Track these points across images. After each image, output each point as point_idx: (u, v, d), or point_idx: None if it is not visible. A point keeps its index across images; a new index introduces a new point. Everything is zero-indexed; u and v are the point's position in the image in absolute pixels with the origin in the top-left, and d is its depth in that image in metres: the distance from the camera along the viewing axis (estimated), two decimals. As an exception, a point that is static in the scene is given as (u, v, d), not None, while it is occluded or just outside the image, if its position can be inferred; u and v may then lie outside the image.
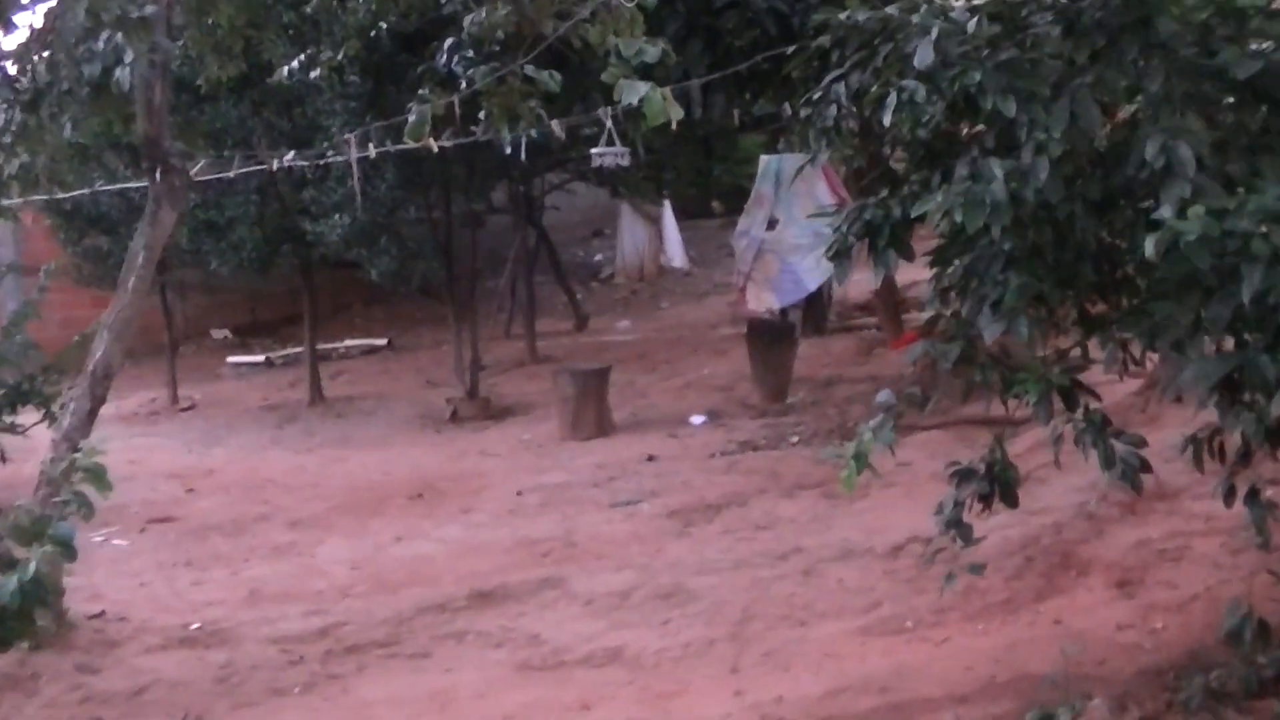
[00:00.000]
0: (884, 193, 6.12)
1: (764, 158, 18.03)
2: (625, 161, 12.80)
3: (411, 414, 17.88)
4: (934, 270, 6.19)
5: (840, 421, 14.46)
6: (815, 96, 6.13)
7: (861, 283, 20.73)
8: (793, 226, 16.99)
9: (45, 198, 11.97)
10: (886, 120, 5.46)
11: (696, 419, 15.81)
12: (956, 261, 5.95)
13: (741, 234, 17.78)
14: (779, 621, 8.71)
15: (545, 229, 23.90)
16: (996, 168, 5.22)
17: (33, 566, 6.57)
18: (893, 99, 5.43)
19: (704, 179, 24.09)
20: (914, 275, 20.32)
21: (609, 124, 12.37)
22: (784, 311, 18.24)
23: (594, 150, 12.55)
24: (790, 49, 6.89)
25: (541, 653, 8.62)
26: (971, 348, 5.94)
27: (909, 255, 6.12)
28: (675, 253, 28.48)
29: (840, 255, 6.18)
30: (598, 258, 29.69)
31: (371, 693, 8.27)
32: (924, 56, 5.34)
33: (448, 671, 8.51)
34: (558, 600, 9.56)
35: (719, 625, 8.71)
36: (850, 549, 9.92)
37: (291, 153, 13.54)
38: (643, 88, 7.23)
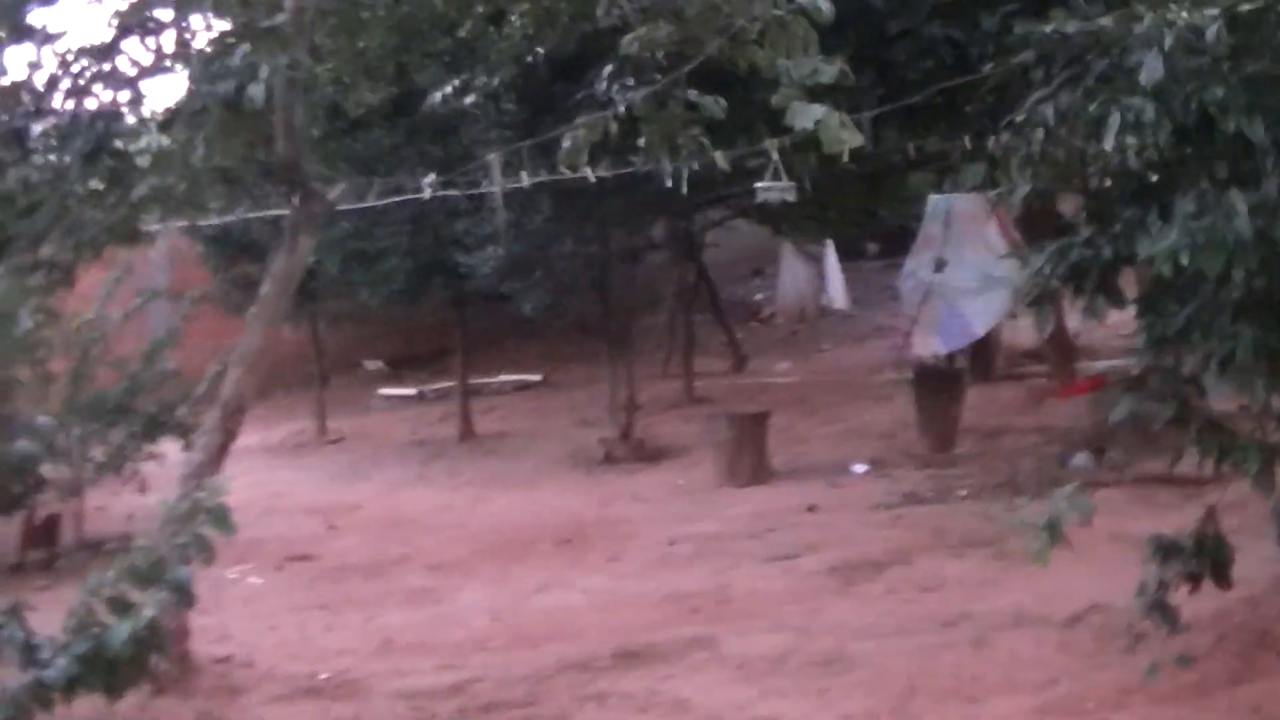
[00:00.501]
0: (1089, 231, 5.39)
1: (932, 197, 17.29)
2: (791, 197, 12.18)
3: (563, 453, 17.36)
4: (1143, 319, 5.45)
5: (1010, 475, 13.70)
6: (1019, 120, 5.40)
7: (1030, 329, 20.08)
8: (961, 269, 16.23)
9: (184, 224, 11.55)
10: (1108, 144, 4.75)
11: (858, 467, 15.14)
12: (1173, 310, 5.20)
13: (908, 275, 17.04)
14: (947, 696, 7.98)
15: (705, 266, 23.38)
16: (1239, 201, 4.48)
17: (146, 613, 6.12)
18: (1115, 120, 4.71)
19: (869, 218, 23.37)
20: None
21: (775, 156, 11.84)
22: (950, 357, 17.56)
23: (759, 185, 12.01)
24: (987, 69, 6.18)
25: (688, 721, 7.98)
26: (1184, 408, 5.21)
27: (1120, 301, 5.39)
28: (837, 293, 27.84)
29: (1041, 300, 5.47)
30: (757, 297, 29.14)
31: (506, 758, 7.68)
32: (1153, 71, 4.62)
33: (591, 738, 7.91)
34: (708, 662, 8.86)
35: (881, 697, 7.99)
36: (1023, 617, 9.15)
37: (431, 175, 13.03)
38: (818, 111, 6.57)
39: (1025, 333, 19.92)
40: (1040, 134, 5.17)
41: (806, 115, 6.68)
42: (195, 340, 16.07)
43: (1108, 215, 5.60)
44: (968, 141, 15.13)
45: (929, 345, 16.90)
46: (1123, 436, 13.34)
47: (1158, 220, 4.86)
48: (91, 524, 14.09)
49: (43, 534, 13.84)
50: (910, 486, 13.90)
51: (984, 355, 19.16)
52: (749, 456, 14.91)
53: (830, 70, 6.71)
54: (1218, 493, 11.20)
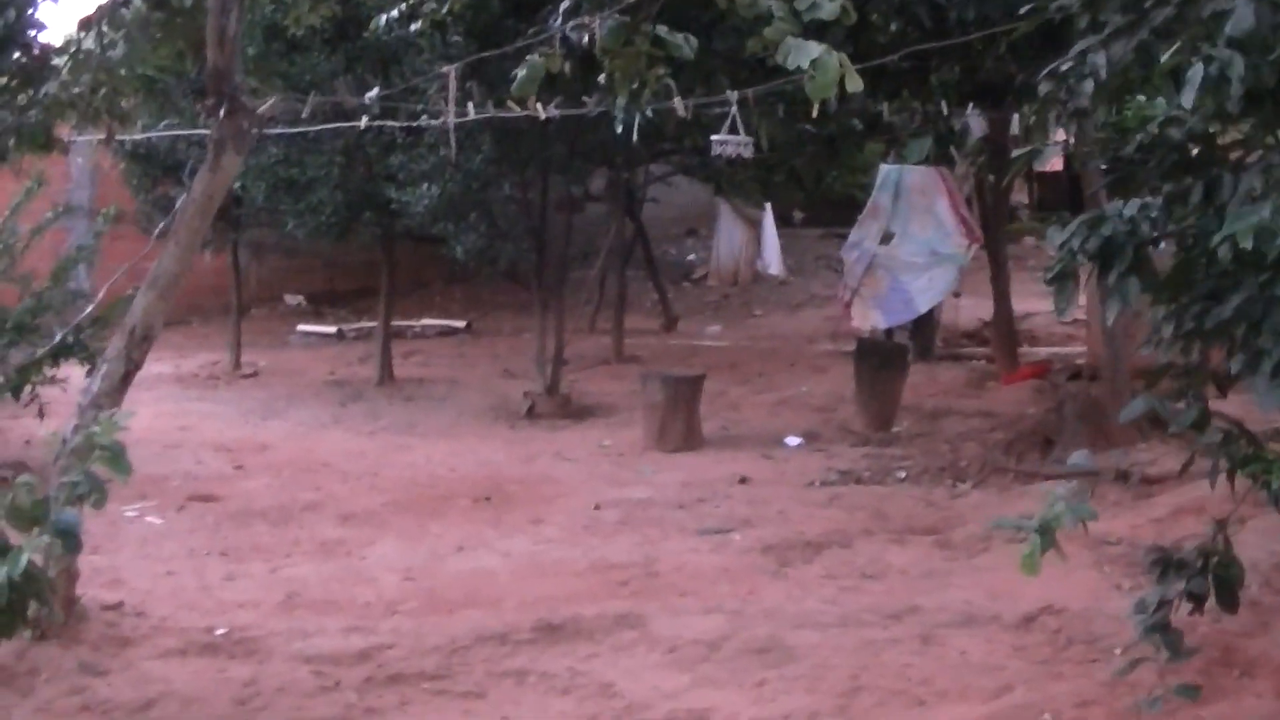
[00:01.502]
0: (1125, 204, 4.74)
1: (884, 167, 16.83)
2: (748, 152, 11.65)
3: (485, 404, 16.74)
4: (1168, 308, 4.85)
5: (952, 459, 13.15)
6: (1063, 69, 4.75)
7: (972, 309, 19.67)
8: (908, 242, 15.78)
9: (105, 136, 10.86)
10: (1187, 101, 4.10)
11: (792, 440, 14.58)
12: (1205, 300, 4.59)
13: (852, 245, 16.52)
14: (893, 697, 7.42)
15: (642, 222, 22.84)
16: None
17: (24, 559, 5.51)
18: (1197, 73, 4.07)
19: (815, 184, 22.82)
20: (1030, 305, 19.39)
21: (734, 108, 11.32)
22: (889, 332, 17.12)
23: (715, 137, 11.49)
24: (1018, 20, 5.54)
25: (614, 708, 7.33)
26: (1205, 412, 4.63)
27: (1154, 285, 4.77)
28: (773, 259, 27.45)
29: (1064, 278, 4.85)
30: (691, 257, 28.71)
31: (409, 736, 7.04)
32: (1243, 20, 3.99)
33: (503, 719, 7.27)
34: (636, 643, 8.23)
35: (823, 695, 7.41)
36: (973, 615, 8.58)
37: (374, 90, 12.32)
38: (815, 49, 5.95)
39: (965, 313, 19.56)
40: (1089, 86, 4.53)
41: (802, 53, 6.05)
42: (114, 262, 15.38)
43: (1136, 189, 4.99)
44: (922, 111, 14.73)
45: (869, 318, 16.46)
46: (1071, 428, 12.90)
47: (1205, 198, 4.27)
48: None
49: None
50: (847, 464, 13.34)
51: (924, 333, 18.72)
52: (680, 421, 14.34)
53: (831, 7, 6.09)
54: (1170, 495, 10.85)
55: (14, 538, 5.69)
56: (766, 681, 7.62)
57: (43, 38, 8.14)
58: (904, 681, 7.59)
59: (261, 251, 21.27)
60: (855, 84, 5.90)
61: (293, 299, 24.71)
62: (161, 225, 8.81)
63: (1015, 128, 16.30)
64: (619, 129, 11.37)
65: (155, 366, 15.76)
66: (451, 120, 11.79)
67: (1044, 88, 4.85)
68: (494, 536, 10.96)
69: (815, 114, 7.40)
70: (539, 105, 11.38)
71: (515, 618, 8.65)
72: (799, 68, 6.02)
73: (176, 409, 16.20)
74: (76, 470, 5.78)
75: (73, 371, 12.88)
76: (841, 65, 5.81)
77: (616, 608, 8.87)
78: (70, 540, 5.75)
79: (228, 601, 9.23)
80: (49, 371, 13.12)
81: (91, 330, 12.87)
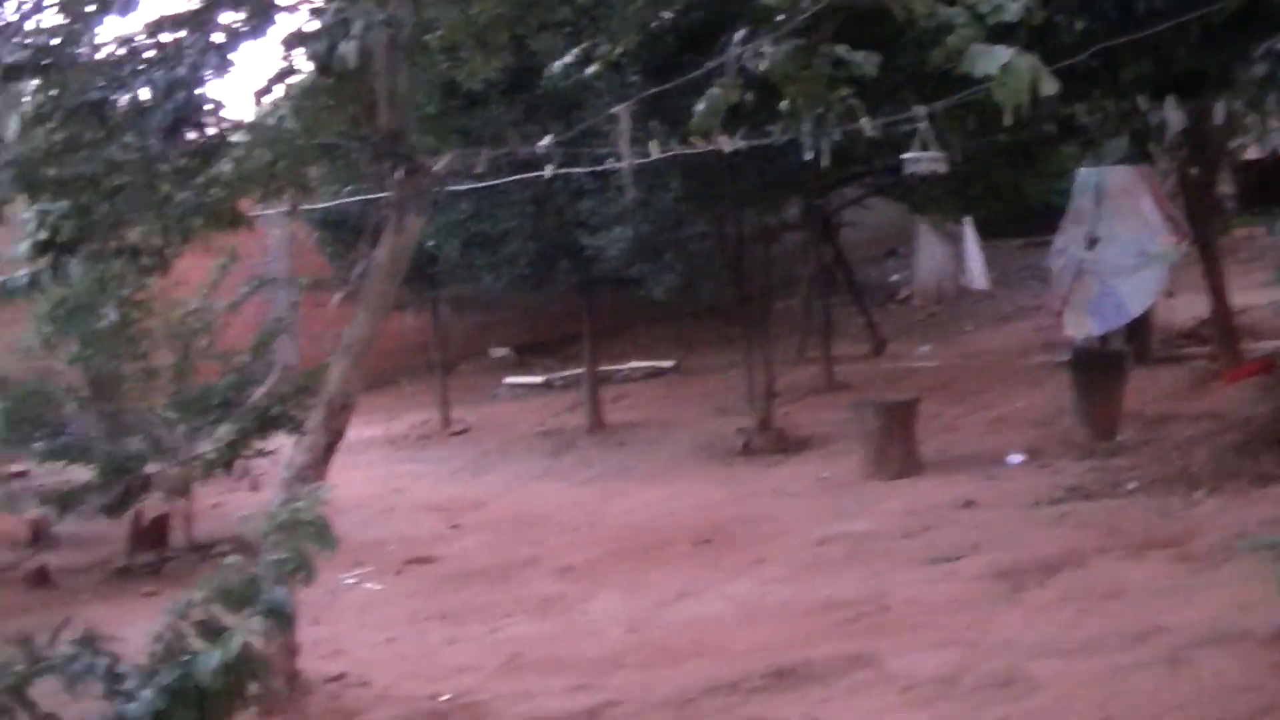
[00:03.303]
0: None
1: (1082, 170, 16.31)
2: (941, 168, 11.23)
3: (698, 444, 16.49)
4: None
5: (1183, 466, 12.59)
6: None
7: (1187, 307, 19.02)
8: (1114, 246, 15.23)
9: (289, 208, 10.83)
10: None
11: (1014, 458, 14.12)
12: None
13: (1058, 253, 16.03)
14: (1146, 726, 7.03)
15: (841, 246, 22.48)
16: None
17: (237, 641, 5.37)
18: None
19: (1014, 194, 22.24)
20: (1248, 298, 18.70)
21: (924, 124, 10.96)
22: (1103, 339, 16.57)
23: (906, 156, 11.09)
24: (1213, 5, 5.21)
25: (852, 752, 7.05)
26: None
27: None
28: (976, 273, 26.87)
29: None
30: (893, 278, 28.23)
31: (645, 796, 6.78)
32: None
33: (739, 771, 6.99)
34: (871, 683, 7.89)
35: (1071, 729, 7.05)
36: (1223, 631, 8.08)
37: (549, 137, 12.18)
38: (1003, 54, 5.66)
39: (1180, 312, 18.94)
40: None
41: (989, 60, 5.76)
42: (317, 329, 15.47)
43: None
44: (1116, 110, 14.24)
45: (1082, 326, 15.94)
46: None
47: None
48: (203, 524, 13.46)
49: (151, 536, 13.24)
50: (1073, 479, 12.84)
51: (1139, 337, 18.09)
52: (898, 447, 13.97)
53: (1014, 7, 5.79)
54: None
55: (227, 619, 5.60)
56: (1009, 716, 7.24)
57: (218, 115, 8.06)
58: (1156, 707, 7.15)
59: (462, 307, 21.25)
60: (1050, 86, 5.60)
61: (498, 351, 24.71)
62: (347, 289, 8.68)
63: (1218, 117, 15.73)
64: (807, 155, 11.10)
65: (365, 430, 15.79)
66: (629, 161, 11.60)
67: (1259, 69, 4.52)
68: (717, 580, 10.68)
69: (1008, 122, 7.07)
70: (723, 138, 11.14)
71: (745, 664, 8.38)
72: (987, 75, 5.72)
73: (389, 471, 16.22)
74: (283, 546, 5.67)
75: (282, 442, 12.94)
76: (1033, 68, 5.50)
77: (848, 647, 8.55)
78: (282, 618, 5.63)
79: (450, 666, 9.10)
80: (258, 444, 13.21)
81: (296, 399, 12.93)
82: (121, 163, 8.04)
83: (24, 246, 8.17)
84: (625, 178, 12.19)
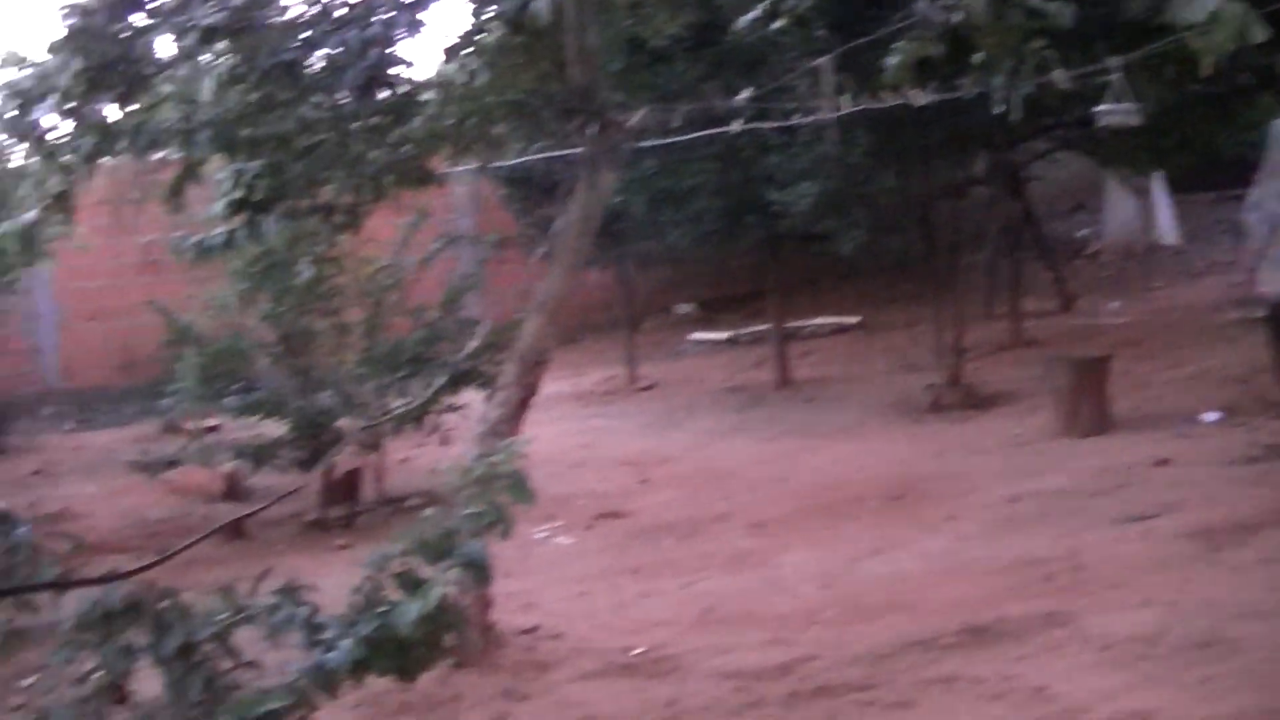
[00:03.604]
0: None
1: (1276, 123, 15.89)
2: (1135, 120, 11.00)
3: (886, 400, 16.35)
4: None
5: (1390, 426, 12.26)
6: None
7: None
8: (1314, 199, 14.83)
9: (478, 165, 10.88)
10: None
11: (1209, 416, 13.79)
12: None
13: (1253, 207, 15.61)
14: (1356, 689, 6.84)
15: (1029, 201, 22.14)
16: None
17: (436, 593, 5.43)
18: None
19: (1209, 146, 21.72)
20: None
21: (1118, 75, 10.74)
22: (1301, 295, 16.15)
23: (1100, 108, 10.87)
24: None
25: (1050, 712, 6.87)
26: None
27: None
28: (1166, 228, 26.34)
29: None
30: (1081, 233, 27.76)
31: (842, 751, 6.72)
32: None
33: (935, 729, 6.89)
34: (1067, 642, 7.76)
35: (1276, 690, 6.86)
36: None
37: (746, 93, 12.08)
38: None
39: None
40: None
41: (1195, 7, 5.60)
42: (501, 286, 15.57)
43: None
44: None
45: (1278, 281, 15.56)
46: None
47: None
48: (393, 479, 13.62)
49: (343, 490, 13.42)
50: (1273, 438, 12.51)
51: (1341, 291, 17.64)
52: (1089, 404, 13.72)
53: (1222, -51, 5.59)
54: None
55: (425, 571, 5.65)
56: (1211, 678, 7.06)
57: (409, 74, 8.12)
58: (1367, 670, 6.99)
59: (647, 263, 21.26)
60: (1259, 34, 5.43)
61: (683, 308, 24.70)
62: (542, 248, 8.69)
63: None
64: (997, 109, 10.92)
65: (553, 385, 15.85)
66: (829, 113, 11.50)
67: None
68: (909, 537, 10.59)
69: (1207, 72, 6.88)
70: (914, 92, 10.99)
71: (938, 621, 8.29)
72: (1190, 23, 5.55)
73: (577, 427, 16.29)
74: (481, 500, 5.70)
75: (472, 397, 13.04)
76: (1243, 14, 5.33)
77: (1043, 606, 8.42)
78: (479, 571, 5.67)
79: (643, 620, 9.10)
80: (448, 399, 13.33)
81: (486, 355, 13.03)
82: (314, 122, 8.13)
83: (220, 205, 8.28)
84: (818, 131, 12.13)
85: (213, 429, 16.45)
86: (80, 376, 23.24)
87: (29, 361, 23.19)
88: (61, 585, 5.91)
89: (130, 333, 22.40)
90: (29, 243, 8.03)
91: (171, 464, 14.40)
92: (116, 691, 5.80)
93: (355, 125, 8.21)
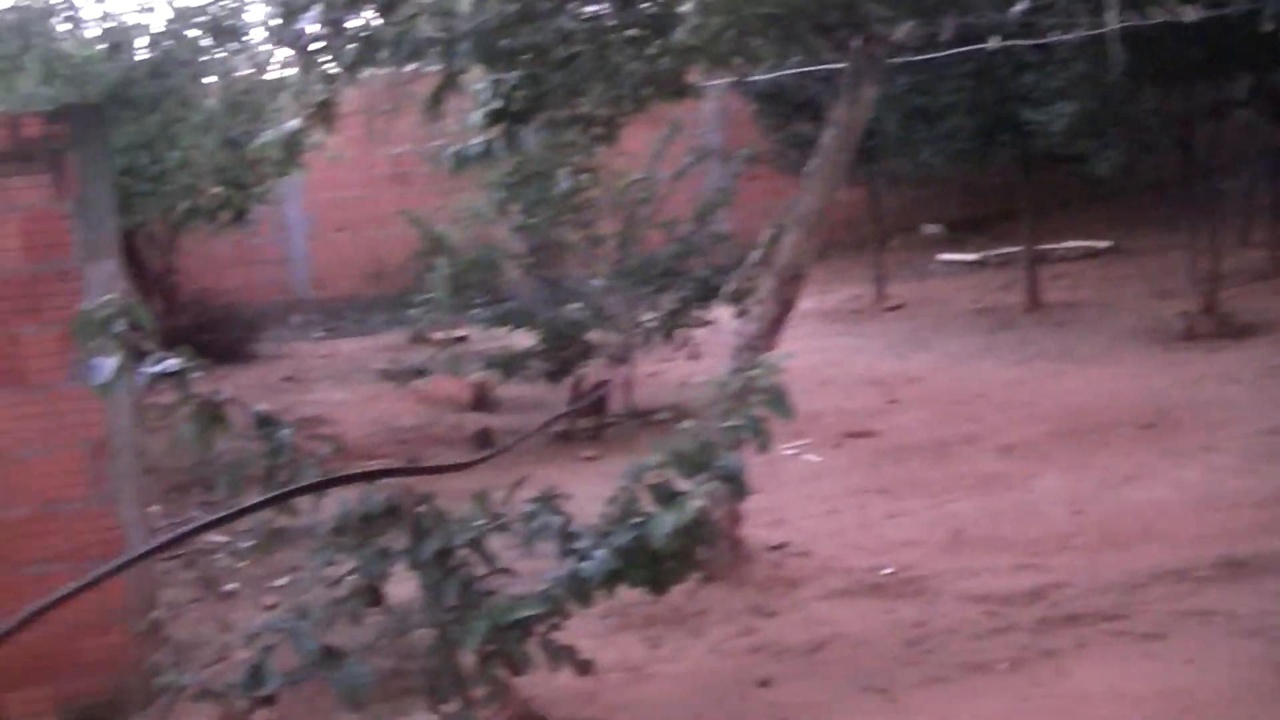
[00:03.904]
0: None
1: None
2: None
3: (1137, 327, 15.96)
4: None
5: None
6: None
7: None
8: None
9: (734, 79, 10.83)
10: None
11: None
12: None
13: None
14: None
15: (1291, 125, 21.42)
16: None
17: (692, 507, 5.47)
18: None
19: None
20: None
21: None
22: None
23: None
24: None
25: (1310, 649, 6.73)
26: None
27: None
28: None
29: None
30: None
31: (1091, 680, 6.51)
32: None
33: (1188, 663, 6.63)
34: (1332, 580, 7.59)
35: None
36: None
37: (1021, 6, 11.81)
38: None
39: None
40: None
41: None
42: (750, 201, 15.50)
43: None
44: None
45: None
46: None
47: None
48: (641, 392, 13.68)
49: (591, 402, 13.51)
50: None
51: None
52: (1351, 336, 13.31)
53: None
54: None
55: (680, 484, 5.67)
56: None
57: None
58: None
59: (896, 182, 21.00)
60: None
61: (930, 228, 24.39)
62: (794, 163, 8.58)
63: None
64: (1266, 27, 10.56)
65: (800, 302, 15.80)
66: (1090, 32, 11.23)
67: None
68: (1163, 466, 10.34)
69: None
70: (1184, 7, 10.68)
71: (1194, 552, 8.12)
72: None
73: (824, 344, 16.20)
74: (738, 414, 5.70)
75: (722, 313, 13.05)
76: None
77: (1306, 542, 8.21)
78: (736, 485, 5.69)
79: (891, 540, 9.05)
80: (698, 313, 13.35)
81: (737, 271, 13.01)
82: (572, 33, 8.13)
83: (478, 116, 8.34)
84: (1076, 50, 11.84)
85: (461, 339, 16.67)
86: (329, 286, 23.70)
87: (280, 271, 23.69)
88: (366, 477, 6.04)
89: (379, 243, 22.80)
90: (291, 151, 8.17)
91: (420, 373, 14.65)
92: (372, 593, 5.93)
93: (614, 37, 8.20)
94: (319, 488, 5.67)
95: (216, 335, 16.95)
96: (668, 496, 5.62)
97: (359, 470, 5.94)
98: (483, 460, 7.58)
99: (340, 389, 16.17)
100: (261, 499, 5.58)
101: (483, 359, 14.05)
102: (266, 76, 16.08)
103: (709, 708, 6.56)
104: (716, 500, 5.95)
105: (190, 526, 5.89)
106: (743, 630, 7.58)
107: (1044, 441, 11.29)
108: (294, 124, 8.04)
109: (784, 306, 8.23)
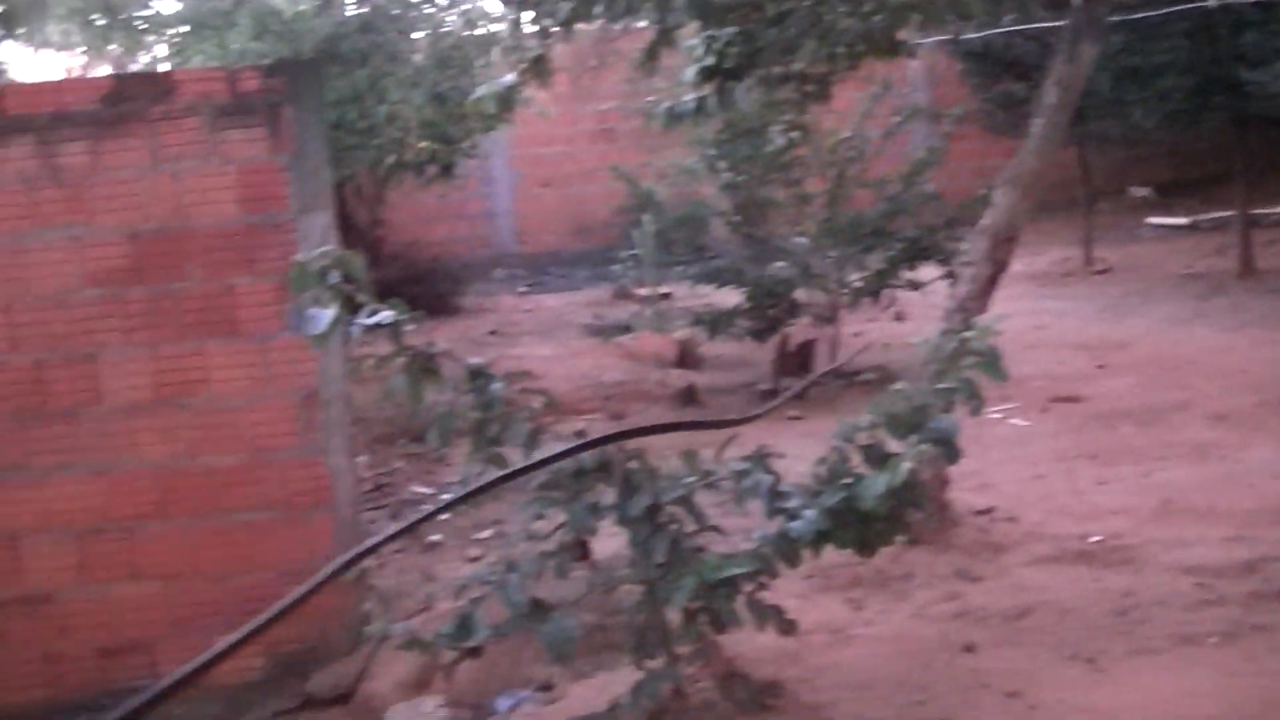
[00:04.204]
0: None
1: None
2: None
3: (1360, 296, 15.52)
4: None
5: None
6: None
7: None
8: None
9: (946, 37, 10.69)
10: None
11: None
12: None
13: None
14: None
15: None
16: None
17: (904, 468, 5.43)
18: None
19: None
20: None
21: None
22: None
23: None
24: None
25: None
26: None
27: None
28: None
29: None
30: None
31: (1304, 656, 6.42)
32: None
33: None
34: None
35: None
36: None
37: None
38: None
39: None
40: None
41: None
42: (955, 161, 15.35)
43: None
44: None
45: None
46: None
47: None
48: (846, 352, 13.60)
49: (796, 361, 13.47)
50: None
51: None
52: None
53: None
54: None
55: (891, 445, 5.62)
56: None
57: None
58: None
59: (1104, 143, 20.64)
60: None
61: (1139, 190, 23.94)
62: (1032, 121, 8.42)
63: None
64: None
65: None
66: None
67: None
68: (1383, 440, 10.06)
69: None
70: None
71: None
72: None
73: (1031, 307, 15.97)
74: (950, 376, 5.64)
75: (928, 274, 12.93)
76: None
77: None
78: (948, 447, 5.63)
79: (1099, 507, 8.87)
80: (905, 274, 13.24)
81: (945, 231, 12.88)
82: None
83: (691, 72, 8.31)
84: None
85: (665, 295, 16.71)
86: (533, 241, 23.92)
87: (484, 225, 23.95)
88: (638, 433, 6.04)
89: (582, 199, 22.95)
90: (505, 106, 8.22)
91: (625, 329, 14.71)
92: (580, 548, 5.96)
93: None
94: (586, 447, 5.72)
95: (422, 288, 17.12)
96: (879, 458, 5.58)
97: (629, 427, 5.92)
98: (764, 415, 7.61)
99: (545, 344, 16.25)
100: (526, 464, 5.61)
101: (688, 316, 14.07)
102: (475, 31, 16.22)
103: (912, 672, 6.49)
104: (926, 462, 5.89)
105: (453, 496, 5.90)
106: (947, 595, 7.49)
107: (1256, 411, 10.98)
108: (509, 79, 8.08)
109: (997, 268, 8.11)
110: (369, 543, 5.56)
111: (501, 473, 5.58)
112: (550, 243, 23.69)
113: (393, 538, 6.23)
